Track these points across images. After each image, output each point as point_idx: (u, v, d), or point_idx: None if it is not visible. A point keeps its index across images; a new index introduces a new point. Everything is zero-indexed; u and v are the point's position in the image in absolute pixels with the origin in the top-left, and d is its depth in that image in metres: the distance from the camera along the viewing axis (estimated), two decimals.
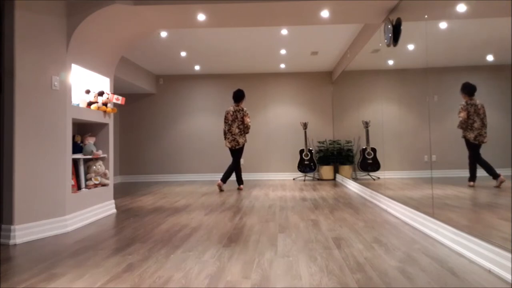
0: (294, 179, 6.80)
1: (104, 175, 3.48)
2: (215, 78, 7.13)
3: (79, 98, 3.27)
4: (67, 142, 2.85)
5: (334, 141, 6.60)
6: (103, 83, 3.56)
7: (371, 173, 4.09)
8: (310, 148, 6.65)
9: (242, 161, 6.82)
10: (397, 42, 3.07)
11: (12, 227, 2.50)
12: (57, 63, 2.80)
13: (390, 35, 3.16)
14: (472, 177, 2.01)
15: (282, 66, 6.53)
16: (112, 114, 3.60)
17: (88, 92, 3.29)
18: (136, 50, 5.37)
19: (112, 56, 3.59)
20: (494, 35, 1.74)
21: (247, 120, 5.12)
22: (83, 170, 3.27)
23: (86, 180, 3.31)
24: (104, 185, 3.47)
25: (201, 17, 3.31)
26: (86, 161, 3.37)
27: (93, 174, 3.34)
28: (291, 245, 2.27)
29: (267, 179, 6.83)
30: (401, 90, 3.07)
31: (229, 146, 5.13)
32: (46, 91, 2.72)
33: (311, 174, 6.94)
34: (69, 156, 2.88)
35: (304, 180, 6.53)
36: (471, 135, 1.99)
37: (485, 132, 1.87)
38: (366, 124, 4.25)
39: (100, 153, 3.32)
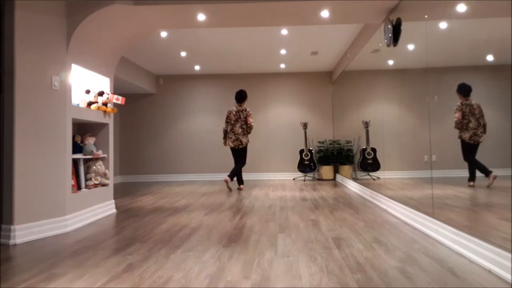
0: (294, 179, 6.81)
1: (104, 175, 3.48)
2: (215, 78, 7.13)
3: (79, 98, 3.27)
4: (67, 142, 2.85)
5: (334, 141, 6.60)
6: (103, 83, 3.56)
7: (371, 173, 4.09)
8: (310, 148, 6.65)
9: None
10: (397, 42, 3.07)
11: (12, 227, 2.50)
12: (57, 63, 2.80)
13: (390, 35, 3.16)
14: (472, 177, 2.01)
15: (282, 66, 6.53)
16: (112, 114, 3.60)
17: (88, 92, 3.29)
18: (136, 50, 5.37)
19: (112, 56, 3.59)
20: (494, 35, 1.74)
21: (250, 120, 5.13)
22: (83, 170, 3.27)
23: (86, 180, 3.31)
24: (104, 185, 3.47)
25: (201, 17, 3.31)
26: (86, 161, 3.37)
27: (93, 174, 3.34)
28: (291, 245, 2.27)
29: (267, 179, 6.83)
30: (401, 90, 3.07)
31: (232, 145, 5.13)
32: (46, 91, 2.72)
33: (311, 174, 6.94)
34: (69, 156, 2.88)
35: (304, 180, 6.53)
36: (466, 135, 2.00)
37: (481, 132, 1.87)
38: (366, 124, 4.25)
39: (100, 153, 3.32)
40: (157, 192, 5.20)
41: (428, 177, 2.55)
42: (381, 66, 3.58)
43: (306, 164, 6.57)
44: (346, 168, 5.77)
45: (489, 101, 1.81)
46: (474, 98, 1.93)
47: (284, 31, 4.59)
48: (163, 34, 4.59)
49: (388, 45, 3.27)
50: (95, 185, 3.36)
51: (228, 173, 5.11)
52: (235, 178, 6.42)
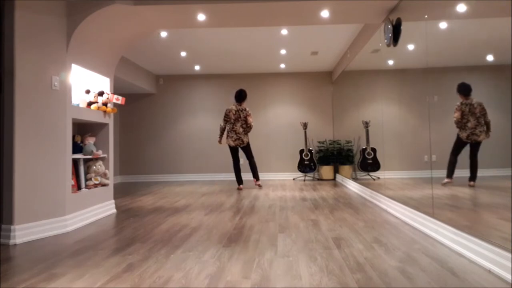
0: (294, 179, 6.80)
1: (104, 175, 3.48)
2: (215, 78, 7.13)
3: (79, 98, 3.27)
4: (67, 142, 2.85)
5: (334, 141, 6.60)
6: (103, 83, 3.56)
7: (371, 173, 4.09)
8: (310, 148, 6.65)
9: (241, 161, 6.82)
10: (397, 42, 3.07)
11: (12, 227, 2.50)
12: (57, 63, 2.80)
13: (390, 35, 3.16)
14: (472, 177, 2.01)
15: (282, 66, 6.53)
16: (112, 114, 3.60)
17: (88, 92, 3.29)
18: (136, 50, 5.37)
19: (112, 56, 3.59)
20: (494, 35, 1.74)
21: (250, 120, 5.14)
22: (83, 170, 3.27)
23: (86, 180, 3.31)
24: (104, 185, 3.47)
25: (201, 17, 3.31)
26: (86, 161, 3.37)
27: (93, 174, 3.34)
28: (291, 245, 2.27)
29: (267, 179, 6.83)
30: (401, 90, 3.07)
31: (233, 144, 5.13)
32: (46, 91, 2.72)
33: (311, 174, 6.93)
34: (69, 156, 2.88)
35: (304, 180, 6.53)
36: (463, 134, 2.00)
37: (480, 132, 1.87)
38: (366, 124, 4.25)
39: (100, 153, 3.32)
40: (157, 192, 5.20)
41: (428, 177, 2.55)
42: (381, 66, 3.58)
43: (306, 164, 6.57)
44: (346, 168, 5.77)
45: (489, 101, 1.81)
46: (475, 98, 1.93)
47: (284, 31, 4.59)
48: (163, 34, 4.59)
49: (388, 45, 3.27)
50: (95, 185, 3.36)
51: (255, 178, 5.34)
52: (235, 179, 6.44)
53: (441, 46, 2.29)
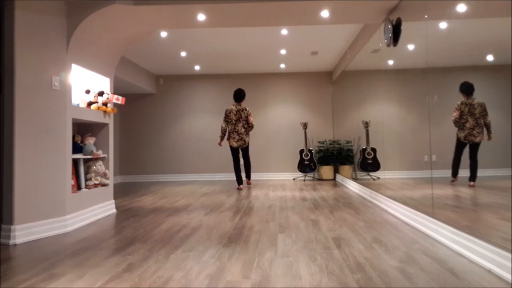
0: (294, 179, 6.81)
1: (104, 175, 3.48)
2: (215, 78, 7.13)
3: (79, 98, 3.27)
4: (67, 142, 2.85)
5: (334, 141, 6.60)
6: (103, 83, 3.56)
7: (371, 173, 4.09)
8: (310, 148, 6.65)
9: (241, 161, 6.82)
10: (397, 42, 3.07)
11: (12, 227, 2.50)
12: (57, 63, 2.80)
13: (390, 35, 3.16)
14: (472, 177, 2.01)
15: (282, 66, 6.53)
16: (112, 114, 3.60)
17: (88, 92, 3.29)
18: (136, 50, 5.37)
19: (112, 56, 3.59)
20: (494, 35, 1.74)
21: (251, 119, 5.15)
22: (83, 170, 3.27)
23: (86, 180, 3.31)
24: (104, 185, 3.47)
25: (201, 17, 3.31)
26: (86, 161, 3.37)
27: (93, 174, 3.34)
28: (291, 245, 2.27)
29: (267, 179, 6.83)
30: (401, 90, 3.07)
31: (236, 145, 5.12)
32: (46, 91, 2.72)
33: (311, 174, 6.93)
34: (69, 156, 2.88)
35: (304, 180, 6.53)
36: (461, 134, 2.00)
37: (477, 133, 1.87)
38: (366, 124, 4.25)
39: (100, 153, 3.32)
40: (157, 192, 5.20)
41: (428, 177, 2.56)
42: (381, 66, 3.58)
43: (306, 164, 6.57)
44: (346, 168, 5.77)
45: (489, 101, 1.81)
46: (478, 98, 1.93)
47: (284, 31, 4.59)
48: (163, 34, 4.59)
49: (388, 45, 3.27)
50: (95, 185, 3.36)
51: (247, 177, 5.56)
52: (235, 179, 6.45)
53: (441, 46, 2.29)
